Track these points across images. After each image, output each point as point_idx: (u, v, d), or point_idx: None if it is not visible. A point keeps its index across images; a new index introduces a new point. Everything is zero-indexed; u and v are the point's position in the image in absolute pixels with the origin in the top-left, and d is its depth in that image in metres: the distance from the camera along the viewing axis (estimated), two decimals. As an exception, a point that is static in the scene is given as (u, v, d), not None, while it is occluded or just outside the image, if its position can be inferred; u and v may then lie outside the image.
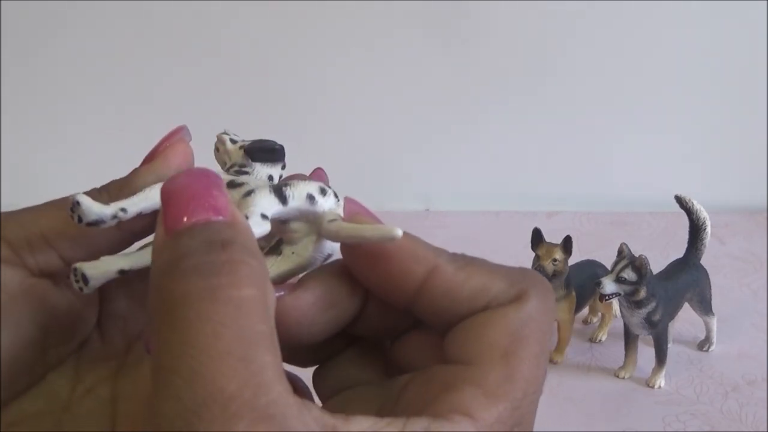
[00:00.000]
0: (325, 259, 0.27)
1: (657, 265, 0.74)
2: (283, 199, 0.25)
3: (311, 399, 0.27)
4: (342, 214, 0.26)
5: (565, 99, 1.06)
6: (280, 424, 0.19)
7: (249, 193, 0.25)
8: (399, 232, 0.24)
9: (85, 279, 0.26)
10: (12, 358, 0.26)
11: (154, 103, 1.04)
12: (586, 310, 0.82)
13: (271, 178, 0.29)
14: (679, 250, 0.77)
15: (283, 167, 0.30)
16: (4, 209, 0.28)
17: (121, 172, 0.29)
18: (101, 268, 0.26)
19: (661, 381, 0.72)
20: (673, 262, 0.77)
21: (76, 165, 1.04)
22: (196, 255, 0.21)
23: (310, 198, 0.26)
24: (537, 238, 0.73)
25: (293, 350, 0.27)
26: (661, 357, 0.72)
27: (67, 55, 1.05)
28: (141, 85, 1.06)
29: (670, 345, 0.75)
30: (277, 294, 0.24)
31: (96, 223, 0.25)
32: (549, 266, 0.72)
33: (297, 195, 0.26)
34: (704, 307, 0.76)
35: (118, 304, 0.31)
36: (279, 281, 0.26)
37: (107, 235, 0.27)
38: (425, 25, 1.03)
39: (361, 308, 0.26)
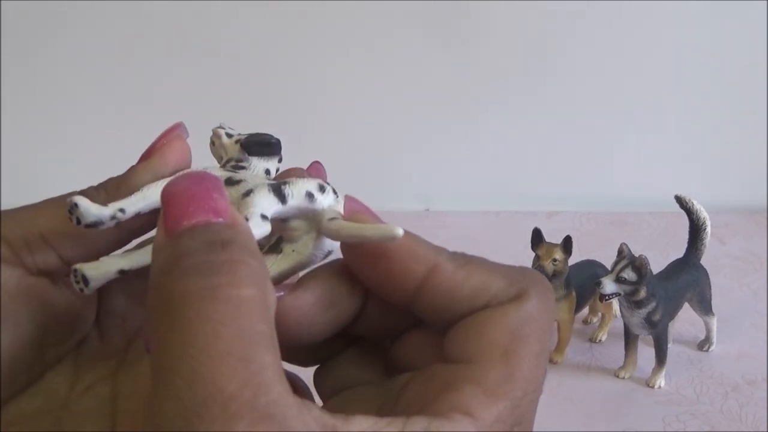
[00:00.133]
0: (326, 256, 0.27)
1: (657, 265, 0.74)
2: (282, 198, 0.25)
3: (311, 399, 0.27)
4: (342, 211, 0.26)
5: (565, 99, 1.06)
6: (280, 424, 0.19)
7: (248, 193, 0.25)
8: (400, 232, 0.24)
9: (85, 280, 0.26)
10: (11, 357, 0.26)
11: (153, 103, 1.04)
12: (586, 310, 0.82)
13: (268, 171, 0.29)
14: (679, 250, 0.77)
15: (280, 160, 0.30)
16: (3, 209, 0.28)
17: (121, 171, 0.29)
18: (101, 269, 0.26)
19: (661, 381, 0.72)
20: (673, 262, 0.77)
21: (76, 165, 1.04)
22: (195, 255, 0.21)
23: (309, 196, 0.26)
24: (537, 238, 0.73)
25: (294, 350, 0.27)
26: (661, 357, 0.72)
27: (67, 55, 1.05)
28: (141, 85, 1.06)
29: (670, 345, 0.75)
30: (276, 294, 0.24)
31: (95, 225, 0.25)
32: (549, 266, 0.72)
33: (296, 193, 0.26)
34: (704, 307, 0.76)
35: (116, 302, 0.31)
36: (280, 279, 0.26)
37: (105, 234, 0.27)
38: (425, 25, 1.03)
39: (361, 308, 0.26)
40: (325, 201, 0.26)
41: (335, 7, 1.02)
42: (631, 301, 0.70)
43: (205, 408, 0.19)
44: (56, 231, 0.27)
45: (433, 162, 1.10)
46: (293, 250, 0.26)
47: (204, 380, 0.19)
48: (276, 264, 0.26)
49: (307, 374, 0.28)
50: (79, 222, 0.25)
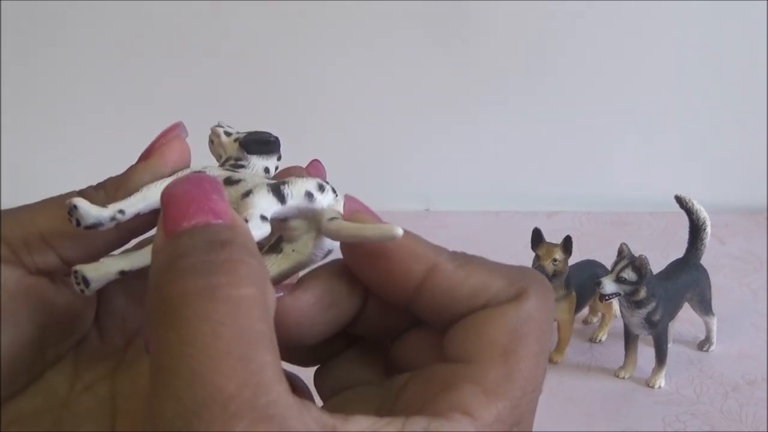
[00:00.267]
0: (326, 255, 0.27)
1: (657, 265, 0.74)
2: (281, 198, 0.25)
3: (311, 399, 0.26)
4: (341, 210, 0.26)
5: (565, 99, 1.06)
6: (280, 424, 0.19)
7: (247, 193, 0.25)
8: (400, 231, 0.24)
9: (86, 281, 0.26)
10: (11, 357, 0.26)
11: (153, 103, 1.04)
12: (586, 310, 0.82)
13: (267, 170, 0.29)
14: (679, 250, 0.77)
15: (279, 158, 0.30)
16: (3, 209, 0.28)
17: (121, 171, 0.29)
18: (102, 270, 0.26)
19: (661, 381, 0.72)
20: (673, 262, 0.77)
21: (76, 165, 1.03)
22: (195, 254, 0.21)
23: (309, 195, 0.26)
24: (537, 238, 0.73)
25: (294, 350, 0.27)
26: (661, 357, 0.72)
27: (67, 55, 1.05)
28: (141, 85, 1.06)
29: (670, 345, 0.75)
30: (276, 295, 0.24)
31: (94, 226, 0.26)
32: (549, 266, 0.72)
33: (295, 193, 0.26)
34: (704, 307, 0.76)
35: (116, 301, 0.31)
36: (280, 279, 0.26)
37: (105, 234, 0.27)
38: (425, 25, 1.03)
39: (361, 308, 0.26)
40: (325, 200, 0.26)
41: (335, 7, 1.02)
42: (631, 301, 0.70)
43: (205, 408, 0.19)
44: (56, 231, 0.27)
45: (433, 162, 1.10)
46: (293, 250, 0.26)
47: (203, 380, 0.19)
48: (276, 264, 0.26)
49: (306, 374, 0.28)
50: (78, 224, 0.25)
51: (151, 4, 1.02)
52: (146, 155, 0.29)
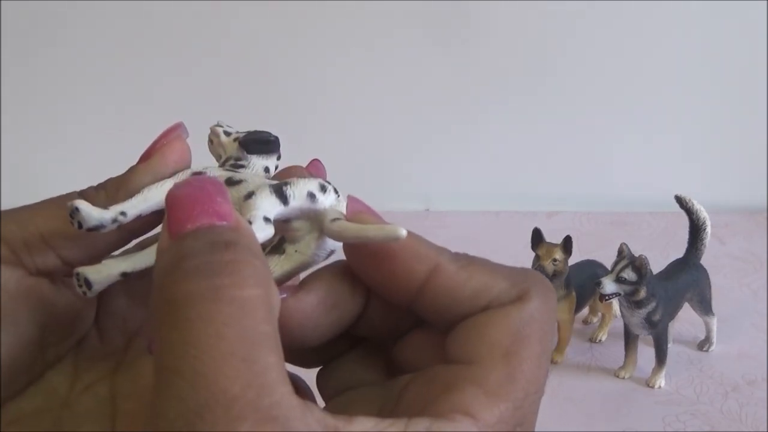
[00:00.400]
0: (328, 255, 0.27)
1: (657, 265, 0.74)
2: (284, 200, 0.25)
3: (313, 400, 0.27)
4: (343, 210, 0.26)
5: (565, 99, 1.06)
6: (283, 425, 0.19)
7: (250, 195, 0.25)
8: (403, 232, 0.24)
9: (88, 283, 0.26)
10: (11, 357, 0.26)
11: (153, 103, 1.04)
12: (586, 310, 0.82)
13: (267, 169, 0.29)
14: (679, 250, 0.77)
15: (279, 158, 0.30)
16: (3, 209, 0.28)
17: (121, 171, 0.29)
18: (104, 272, 0.26)
19: (661, 381, 0.72)
20: (673, 262, 0.77)
21: (76, 165, 1.04)
22: (199, 255, 0.21)
23: (311, 196, 0.26)
24: (537, 238, 0.73)
25: (296, 351, 0.27)
26: (661, 357, 0.72)
27: (67, 55, 1.05)
28: (141, 85, 1.06)
29: (670, 345, 0.75)
30: (279, 296, 0.24)
31: (96, 229, 0.25)
32: (549, 266, 0.72)
33: (297, 194, 0.26)
34: (704, 307, 0.76)
35: (116, 301, 0.31)
36: (283, 280, 0.26)
37: (105, 235, 0.27)
38: (425, 25, 1.03)
39: (364, 308, 0.26)
40: (327, 200, 0.26)
41: (335, 7, 1.02)
42: (631, 301, 0.70)
43: (208, 409, 0.19)
44: (56, 231, 0.27)
45: (433, 162, 1.10)
46: (296, 251, 0.26)
47: (207, 381, 0.19)
48: (279, 265, 0.26)
49: (307, 375, 0.28)
50: (80, 226, 0.25)
51: (151, 4, 1.02)
52: (147, 156, 0.29)
